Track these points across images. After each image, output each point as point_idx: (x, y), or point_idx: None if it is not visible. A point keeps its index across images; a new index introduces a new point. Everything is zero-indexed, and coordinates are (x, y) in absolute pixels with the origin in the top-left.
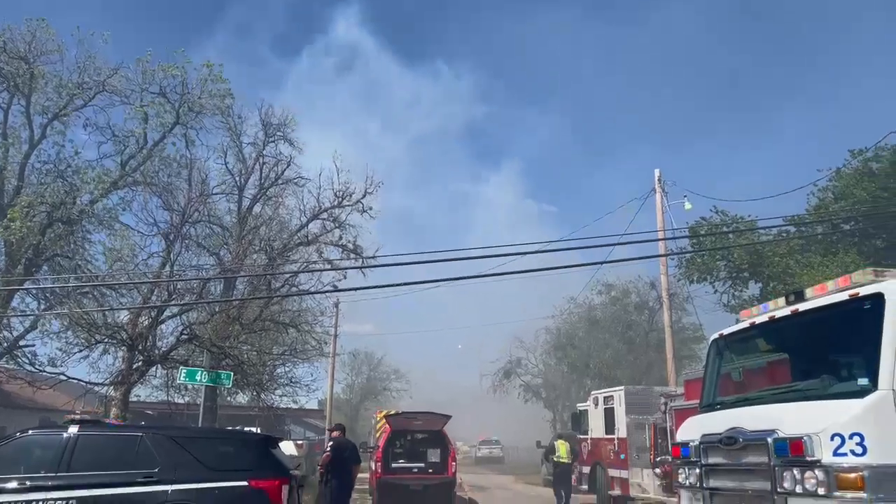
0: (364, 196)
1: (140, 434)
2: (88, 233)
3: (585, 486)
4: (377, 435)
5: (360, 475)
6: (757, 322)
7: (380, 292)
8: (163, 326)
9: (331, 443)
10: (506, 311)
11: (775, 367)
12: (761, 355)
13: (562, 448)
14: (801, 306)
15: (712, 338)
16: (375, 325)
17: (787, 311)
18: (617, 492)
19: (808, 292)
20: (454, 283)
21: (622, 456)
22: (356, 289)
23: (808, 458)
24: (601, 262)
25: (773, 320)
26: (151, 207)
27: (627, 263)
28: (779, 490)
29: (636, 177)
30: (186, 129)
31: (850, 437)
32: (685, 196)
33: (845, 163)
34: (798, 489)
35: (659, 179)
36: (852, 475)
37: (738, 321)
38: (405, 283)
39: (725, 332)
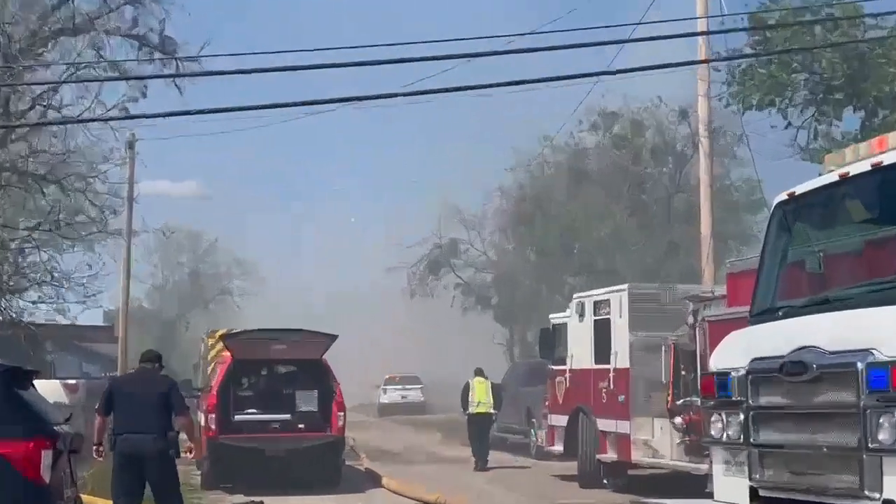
0: None
1: None
2: None
3: (560, 448)
4: (209, 368)
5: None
6: (852, 174)
7: (208, 126)
8: None
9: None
10: (431, 162)
11: (877, 250)
12: (855, 230)
13: (479, 389)
14: None
15: (776, 201)
16: (202, 184)
17: None
18: (612, 455)
19: None
20: (341, 106)
21: (621, 398)
22: (165, 115)
23: None
24: (598, 73)
25: (878, 170)
26: None
27: (642, 78)
28: (871, 445)
29: None
30: None
31: None
32: None
33: None
34: None
35: None
36: None
37: (821, 174)
38: (250, 108)
39: (798, 190)
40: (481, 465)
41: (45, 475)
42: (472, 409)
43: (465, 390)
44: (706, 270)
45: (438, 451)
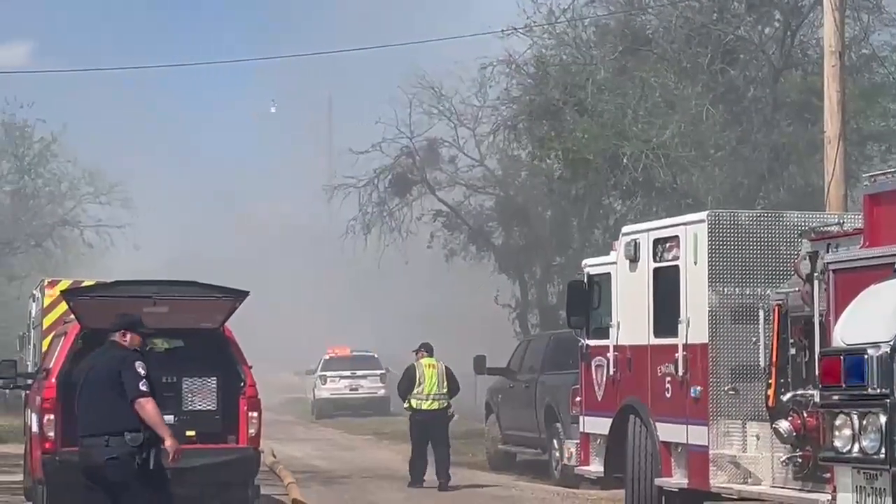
0: None
1: None
2: None
3: (598, 468)
4: (45, 342)
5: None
6: None
7: None
8: None
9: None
10: (394, 16)
11: None
12: None
13: (429, 376)
14: None
15: None
16: (38, 48)
17: None
18: (681, 480)
19: None
20: None
21: (696, 390)
22: None
23: None
24: None
25: None
26: None
27: None
28: None
29: None
30: None
31: None
32: None
33: None
34: None
35: None
36: None
37: None
38: None
39: None
40: (444, 482)
41: None
42: (420, 404)
43: (409, 377)
44: (832, 190)
45: (406, 474)
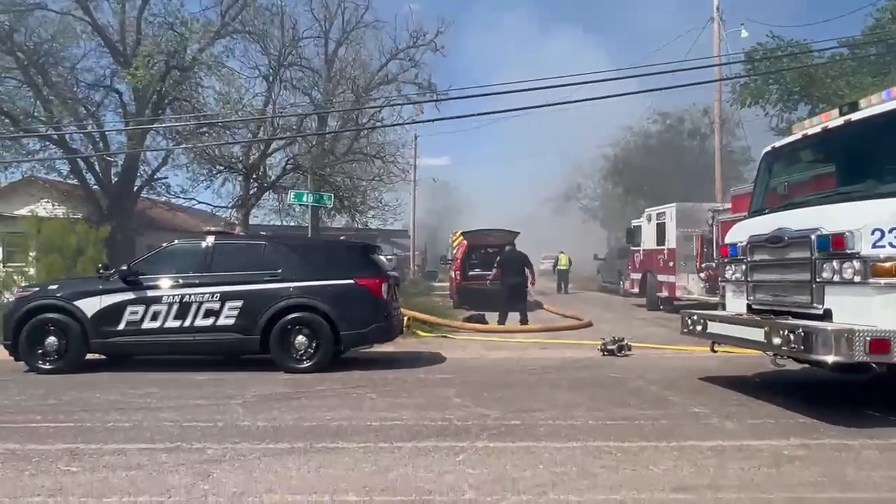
0: (436, 35)
1: (264, 243)
2: (201, 78)
3: (636, 290)
4: (454, 250)
5: (440, 284)
6: (809, 133)
7: (452, 124)
8: (271, 158)
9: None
10: (567, 140)
11: (822, 179)
12: (809, 167)
13: (563, 259)
14: (854, 116)
15: (764, 150)
16: (451, 157)
17: (840, 121)
18: (664, 294)
19: (862, 103)
20: (522, 112)
21: (671, 264)
22: (431, 120)
23: (848, 251)
24: (659, 89)
25: (825, 131)
26: (251, 53)
27: (682, 92)
28: (818, 279)
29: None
30: None
31: (890, 231)
32: (742, 24)
33: None
34: (836, 278)
35: (717, 7)
36: (888, 264)
37: (790, 134)
38: (471, 115)
39: (777, 144)
40: (565, 290)
41: (384, 296)
42: (560, 267)
43: (556, 260)
44: (718, 195)
45: (569, 291)
